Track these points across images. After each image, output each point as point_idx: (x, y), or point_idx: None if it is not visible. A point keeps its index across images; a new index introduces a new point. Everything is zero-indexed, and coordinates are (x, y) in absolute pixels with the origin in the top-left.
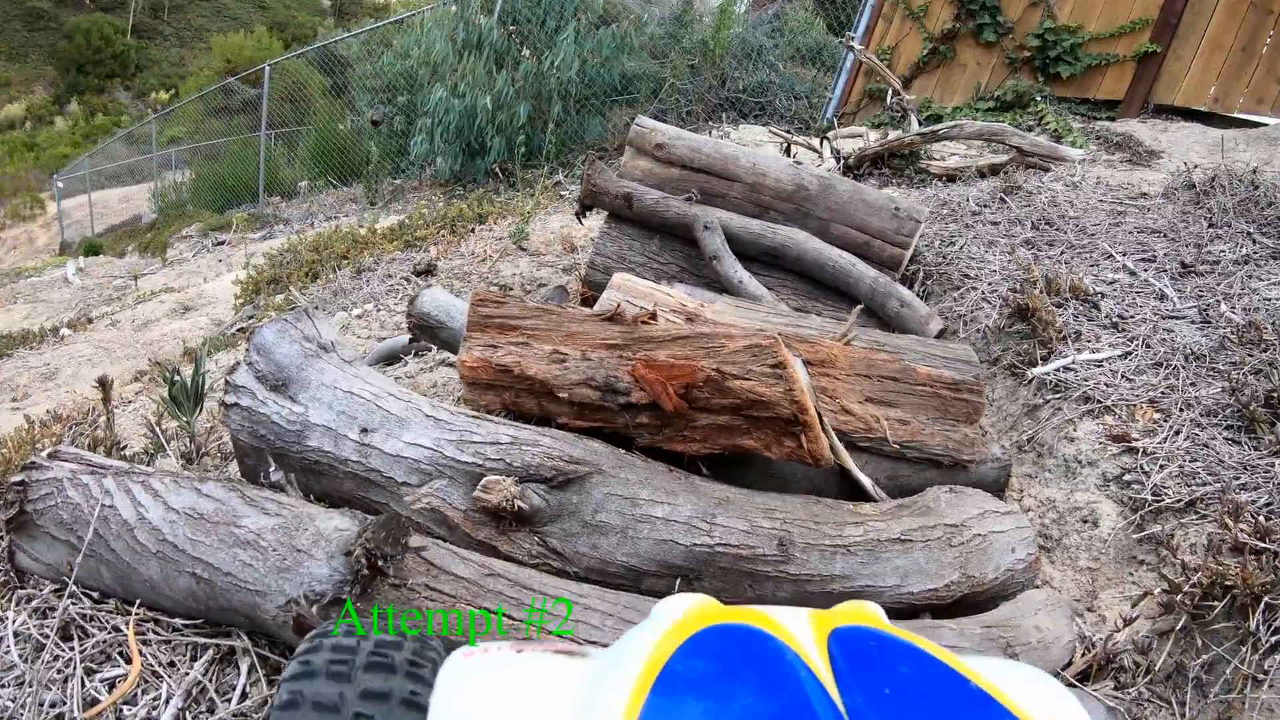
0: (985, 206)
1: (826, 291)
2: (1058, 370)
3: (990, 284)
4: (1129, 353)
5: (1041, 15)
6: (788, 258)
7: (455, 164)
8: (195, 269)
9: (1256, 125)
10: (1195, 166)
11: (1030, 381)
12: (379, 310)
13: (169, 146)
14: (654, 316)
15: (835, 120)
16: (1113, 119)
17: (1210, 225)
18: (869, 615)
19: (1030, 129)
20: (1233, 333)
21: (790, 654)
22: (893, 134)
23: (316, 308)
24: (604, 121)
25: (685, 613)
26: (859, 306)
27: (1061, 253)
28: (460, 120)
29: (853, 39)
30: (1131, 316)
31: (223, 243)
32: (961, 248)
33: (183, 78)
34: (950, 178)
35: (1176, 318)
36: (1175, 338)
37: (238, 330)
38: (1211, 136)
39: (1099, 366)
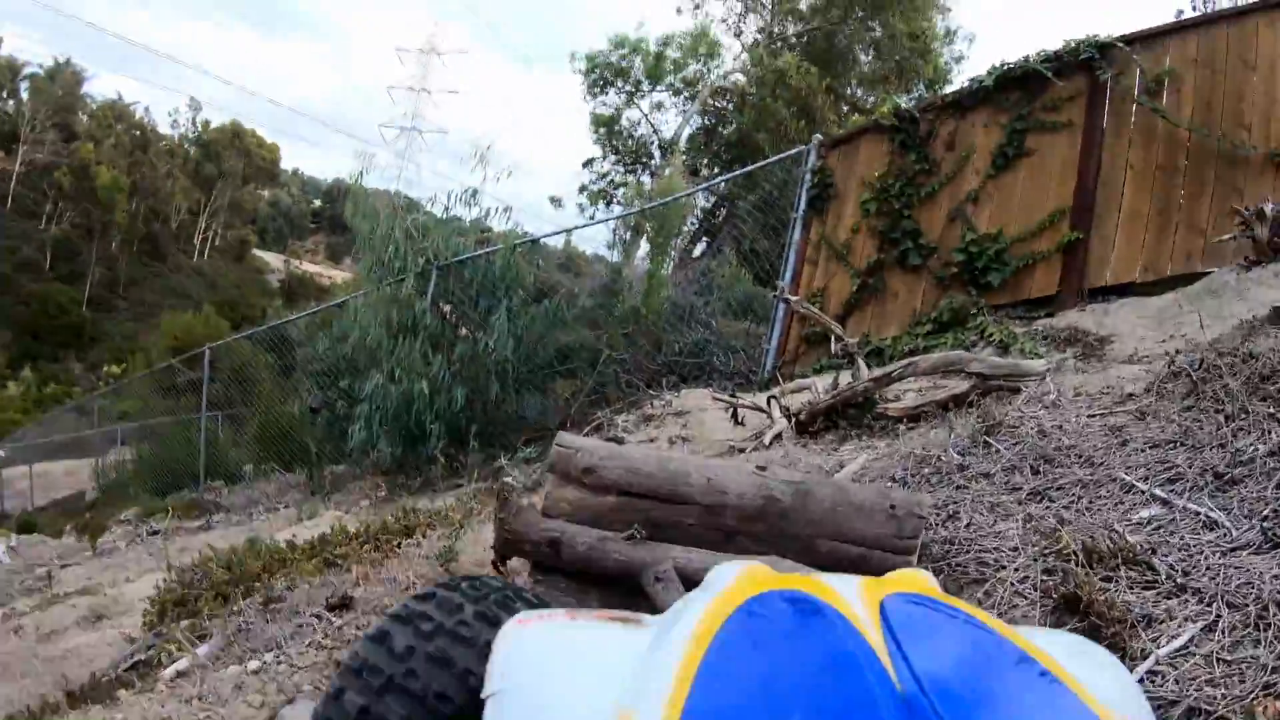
0: (969, 454)
1: None
2: (1142, 680)
3: (1016, 567)
4: (1212, 624)
5: (961, 229)
6: None
7: (397, 450)
8: (123, 562)
9: (1190, 281)
10: (1178, 352)
11: None
12: (279, 662)
13: (118, 422)
14: None
15: (776, 371)
16: (1052, 315)
17: (1226, 418)
18: (921, 582)
19: (974, 344)
20: None
21: (842, 620)
22: (843, 381)
23: (217, 658)
24: (544, 399)
25: (738, 578)
26: None
27: (1077, 498)
28: (398, 406)
29: (783, 288)
30: (1193, 567)
31: (157, 532)
32: (967, 524)
33: (134, 352)
34: (912, 418)
35: (1240, 548)
36: (1254, 581)
37: (131, 666)
38: (1153, 306)
39: (1187, 657)
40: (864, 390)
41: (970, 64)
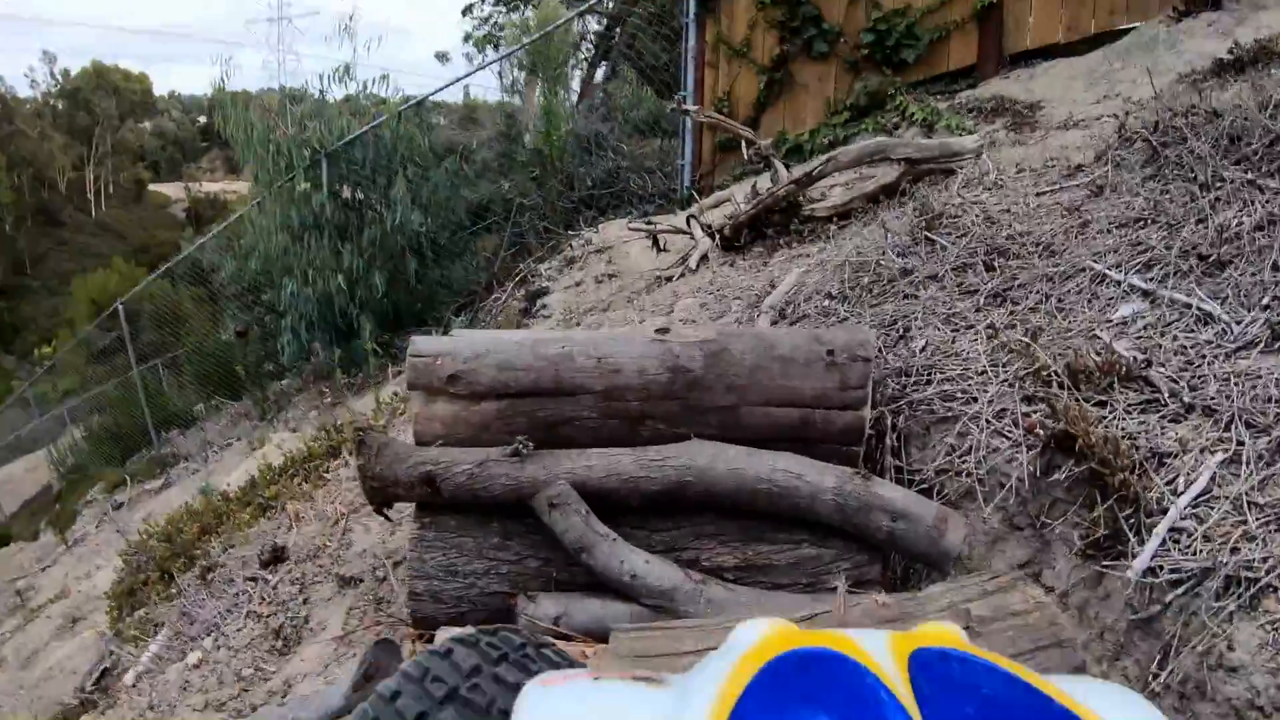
0: (911, 254)
1: (774, 522)
2: (1161, 551)
3: (990, 398)
4: (1235, 455)
5: (866, 8)
6: (692, 497)
7: (332, 353)
8: (95, 548)
9: (1116, 37)
10: (1126, 114)
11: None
12: (218, 647)
13: (61, 403)
14: None
15: (695, 186)
16: (973, 85)
17: (1201, 187)
18: (950, 635)
19: (896, 126)
20: None
21: (871, 677)
22: (763, 188)
23: (162, 657)
24: (466, 261)
25: (762, 637)
26: (842, 582)
27: (1044, 296)
28: (320, 308)
29: (684, 100)
30: (1197, 378)
31: (120, 505)
32: (923, 346)
33: (58, 328)
34: (843, 215)
35: (1247, 347)
36: (1273, 393)
37: (99, 677)
38: (1081, 66)
39: (1212, 505)
40: (786, 194)
41: None
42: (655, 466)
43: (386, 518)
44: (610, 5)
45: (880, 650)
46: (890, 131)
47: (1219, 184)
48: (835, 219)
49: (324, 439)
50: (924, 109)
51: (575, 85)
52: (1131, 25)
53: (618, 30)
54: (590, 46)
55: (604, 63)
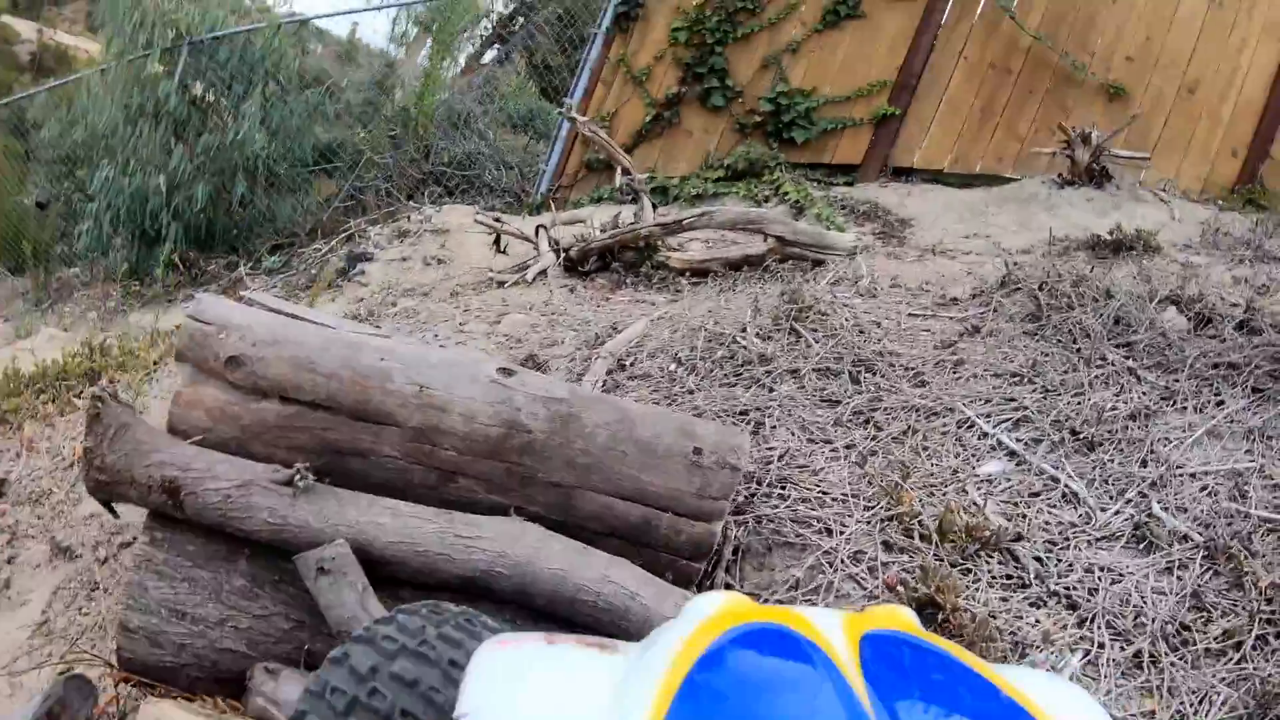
0: (771, 339)
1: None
2: None
3: (848, 534)
4: (1093, 657)
5: (774, 78)
6: (502, 591)
7: (130, 254)
8: None
9: (997, 182)
10: (1015, 264)
11: None
12: None
13: None
14: None
15: (551, 195)
16: (850, 184)
17: (1085, 361)
18: (903, 620)
19: (768, 199)
20: (1200, 564)
21: (821, 656)
22: (625, 218)
23: None
24: (298, 201)
25: (717, 610)
26: None
27: (910, 428)
28: (131, 203)
29: (570, 105)
30: (1063, 562)
31: None
32: (781, 454)
33: None
34: (697, 272)
35: (1110, 539)
36: (1133, 596)
37: None
38: (959, 198)
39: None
40: (648, 234)
41: None
42: (462, 546)
43: (113, 513)
44: None
45: (834, 630)
46: (760, 202)
47: (1100, 363)
48: (689, 274)
49: (84, 357)
50: (799, 191)
51: (463, 59)
52: (1014, 177)
53: (522, 20)
54: (490, 26)
55: (498, 46)
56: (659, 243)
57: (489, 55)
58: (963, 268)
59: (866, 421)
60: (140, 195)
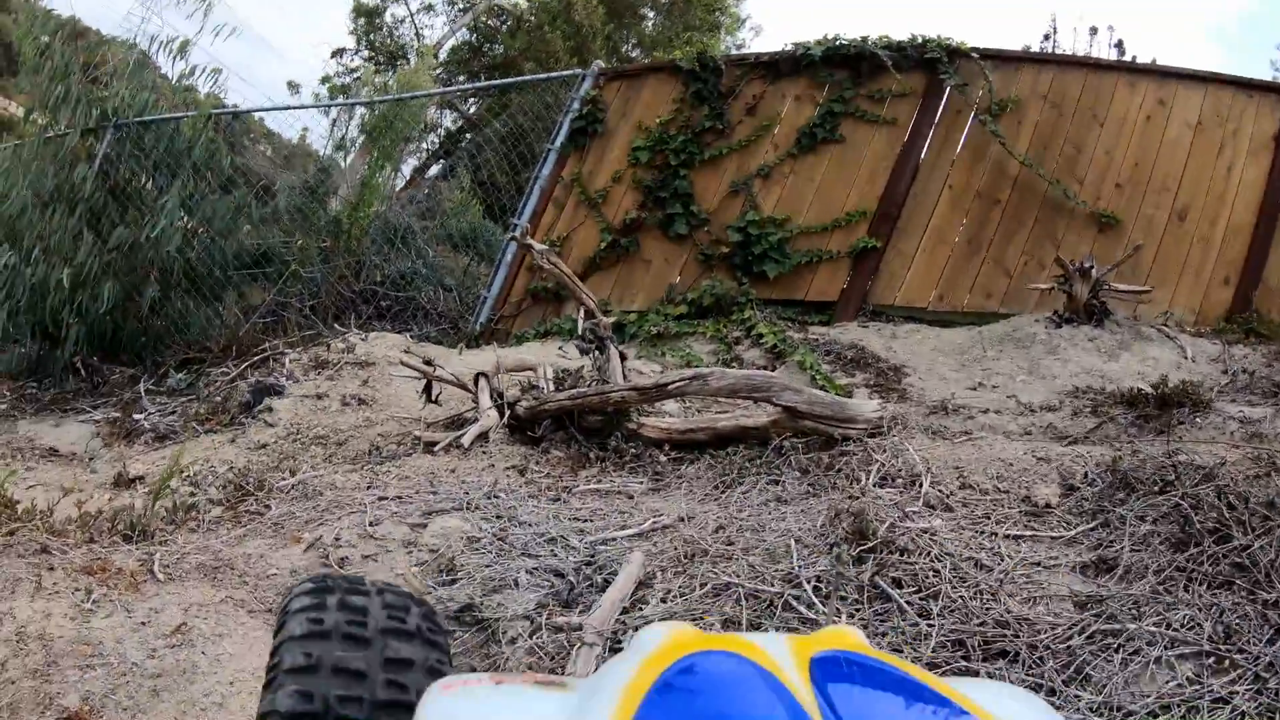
0: (845, 599)
1: None
2: None
3: None
4: None
5: (744, 206)
6: None
7: (31, 351)
8: None
9: (986, 319)
10: (1117, 456)
11: None
12: None
13: None
14: None
15: (492, 325)
16: (827, 322)
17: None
18: (850, 639)
19: (738, 340)
20: None
21: (773, 680)
22: (587, 366)
23: None
24: (216, 310)
25: (664, 640)
26: None
27: None
28: (32, 296)
29: (520, 228)
30: None
31: None
32: None
33: None
34: (679, 445)
35: None
36: None
37: None
38: (949, 340)
39: None
40: (621, 399)
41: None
42: None
43: None
44: (473, 109)
45: (782, 655)
46: (730, 345)
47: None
48: (669, 446)
49: None
50: (775, 333)
51: (408, 171)
52: (1002, 313)
53: (468, 136)
54: (436, 141)
55: (443, 160)
56: (632, 408)
57: (434, 169)
58: (1023, 449)
59: None
60: (41, 289)
